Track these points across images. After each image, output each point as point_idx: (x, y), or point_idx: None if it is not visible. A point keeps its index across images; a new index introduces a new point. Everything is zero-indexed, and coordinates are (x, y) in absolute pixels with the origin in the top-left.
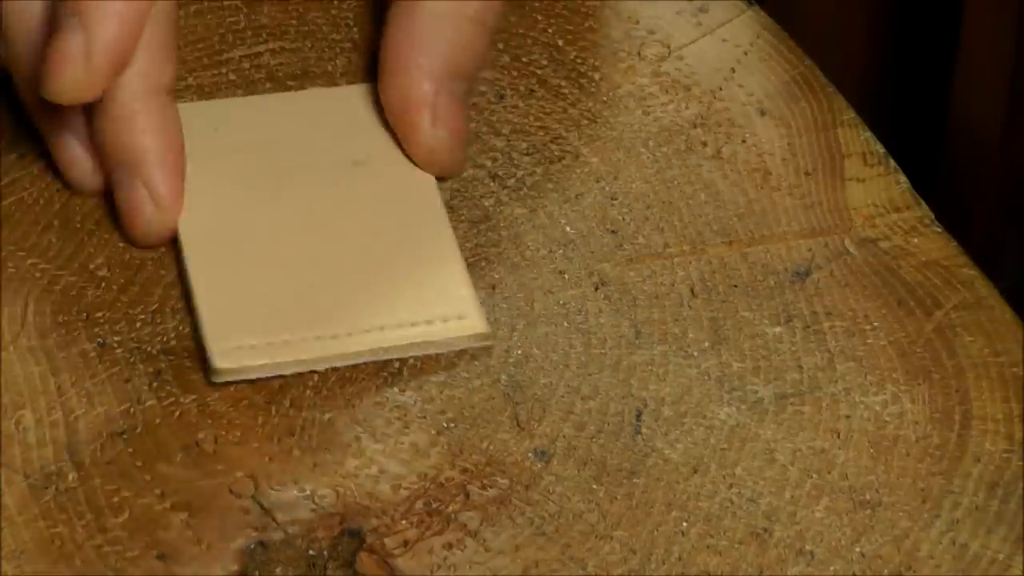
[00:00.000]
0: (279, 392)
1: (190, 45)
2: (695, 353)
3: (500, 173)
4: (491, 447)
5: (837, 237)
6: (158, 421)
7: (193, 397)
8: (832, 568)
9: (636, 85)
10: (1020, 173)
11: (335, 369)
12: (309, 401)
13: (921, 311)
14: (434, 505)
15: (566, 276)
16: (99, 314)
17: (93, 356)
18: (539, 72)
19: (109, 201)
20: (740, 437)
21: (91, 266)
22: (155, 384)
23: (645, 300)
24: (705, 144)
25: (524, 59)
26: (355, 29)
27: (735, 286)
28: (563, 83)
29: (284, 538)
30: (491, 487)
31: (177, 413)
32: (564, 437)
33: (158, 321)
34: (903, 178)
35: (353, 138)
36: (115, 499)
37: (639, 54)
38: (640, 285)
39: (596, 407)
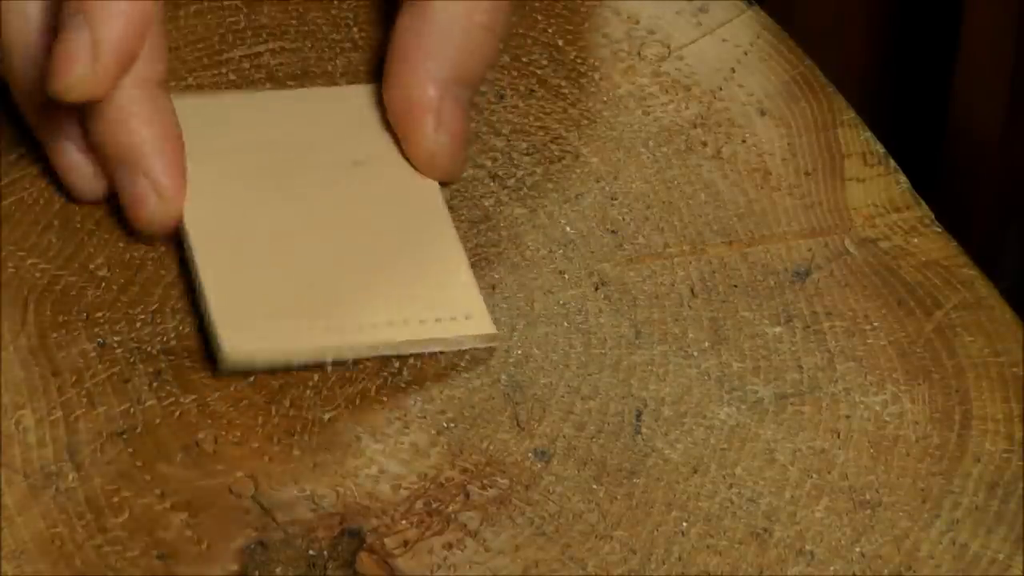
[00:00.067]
0: (279, 392)
1: (190, 45)
2: (695, 353)
3: (500, 173)
4: (491, 447)
5: (837, 237)
6: (158, 421)
7: (193, 397)
8: (832, 568)
9: (636, 85)
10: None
11: (335, 369)
12: (309, 401)
13: (921, 311)
14: (434, 505)
15: (566, 276)
16: (99, 314)
17: (93, 356)
18: (539, 72)
19: (110, 201)
20: (740, 437)
21: (91, 266)
22: (155, 384)
23: (645, 300)
24: (705, 144)
25: (524, 59)
26: (355, 29)
27: (735, 286)
28: (563, 83)
29: (284, 538)
30: (491, 487)
31: (177, 413)
32: (564, 437)
33: (158, 321)
34: (903, 178)
35: (353, 138)
36: (115, 499)
37: (639, 54)
38: (640, 285)
39: (596, 407)
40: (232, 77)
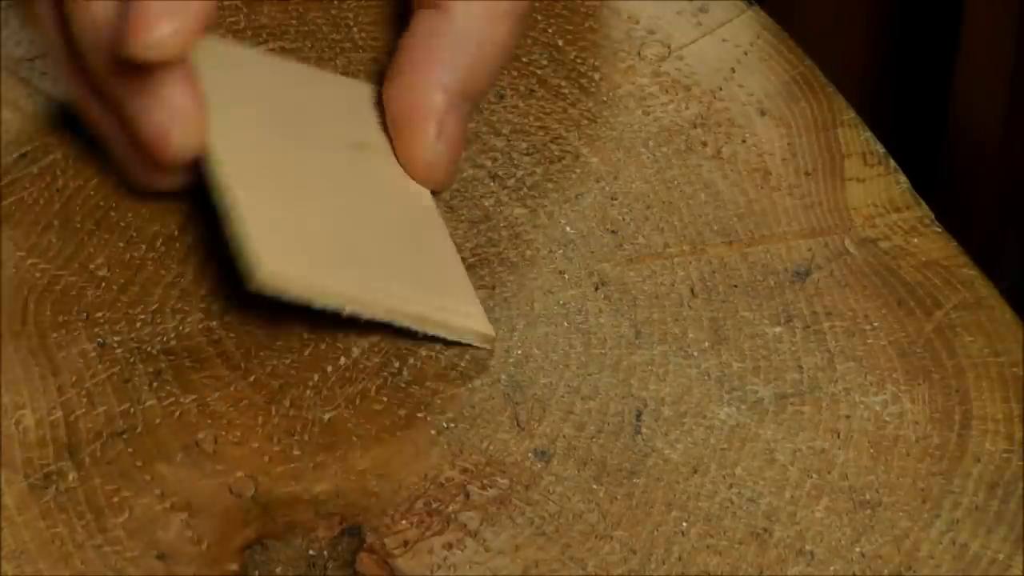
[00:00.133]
0: (279, 392)
1: None
2: (695, 353)
3: (500, 173)
4: (491, 447)
5: (837, 237)
6: (158, 421)
7: (193, 397)
8: (832, 568)
9: (636, 85)
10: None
11: (335, 369)
12: (309, 401)
13: (921, 311)
14: (434, 505)
15: (566, 276)
16: (99, 314)
17: (93, 356)
18: (539, 72)
19: (111, 200)
20: (740, 437)
21: (91, 266)
22: (155, 384)
23: (645, 300)
24: (705, 144)
25: (524, 59)
26: (355, 29)
27: (735, 286)
28: (563, 83)
29: (284, 538)
30: (491, 487)
31: (177, 413)
32: (564, 437)
33: (158, 321)
34: (903, 178)
35: (354, 123)
36: (115, 499)
37: (639, 54)
38: (640, 285)
39: (596, 407)
40: None
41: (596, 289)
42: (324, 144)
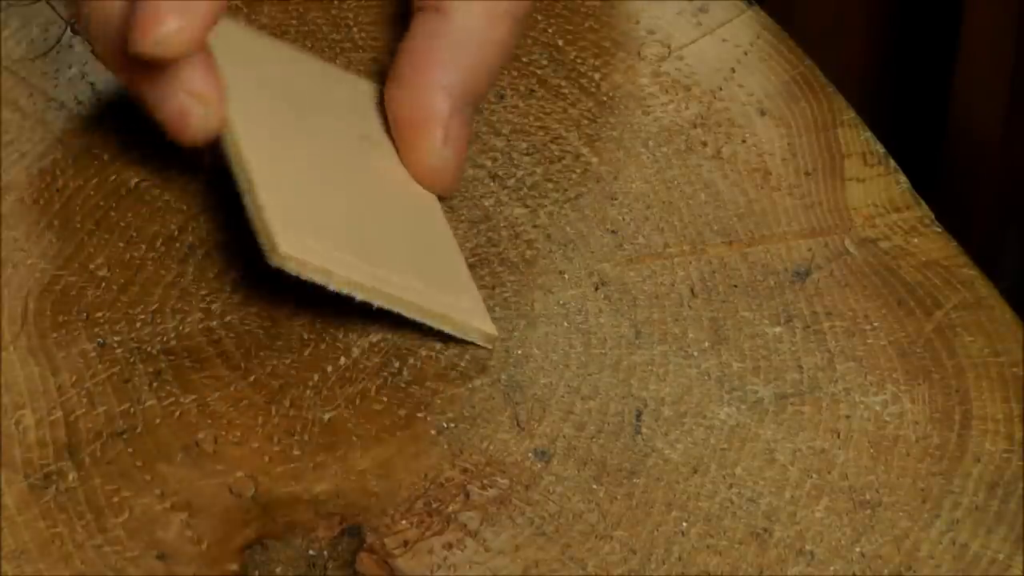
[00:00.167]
0: (279, 392)
1: None
2: (695, 353)
3: (500, 173)
4: (491, 447)
5: (837, 237)
6: (158, 421)
7: (193, 397)
8: (832, 568)
9: (636, 85)
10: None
11: (335, 369)
12: (309, 401)
13: (921, 311)
14: (434, 505)
15: (566, 276)
16: (99, 314)
17: (93, 356)
18: (539, 72)
19: (111, 200)
20: (740, 437)
21: (91, 266)
22: (155, 384)
23: (645, 300)
24: (705, 144)
25: (524, 59)
26: (355, 29)
27: (735, 286)
28: (563, 83)
29: (284, 538)
30: (491, 487)
31: (177, 413)
32: (564, 437)
33: (158, 321)
34: (903, 178)
35: (360, 118)
36: (115, 499)
37: (639, 54)
38: (640, 285)
39: (596, 407)
40: None
41: (596, 289)
42: (334, 133)
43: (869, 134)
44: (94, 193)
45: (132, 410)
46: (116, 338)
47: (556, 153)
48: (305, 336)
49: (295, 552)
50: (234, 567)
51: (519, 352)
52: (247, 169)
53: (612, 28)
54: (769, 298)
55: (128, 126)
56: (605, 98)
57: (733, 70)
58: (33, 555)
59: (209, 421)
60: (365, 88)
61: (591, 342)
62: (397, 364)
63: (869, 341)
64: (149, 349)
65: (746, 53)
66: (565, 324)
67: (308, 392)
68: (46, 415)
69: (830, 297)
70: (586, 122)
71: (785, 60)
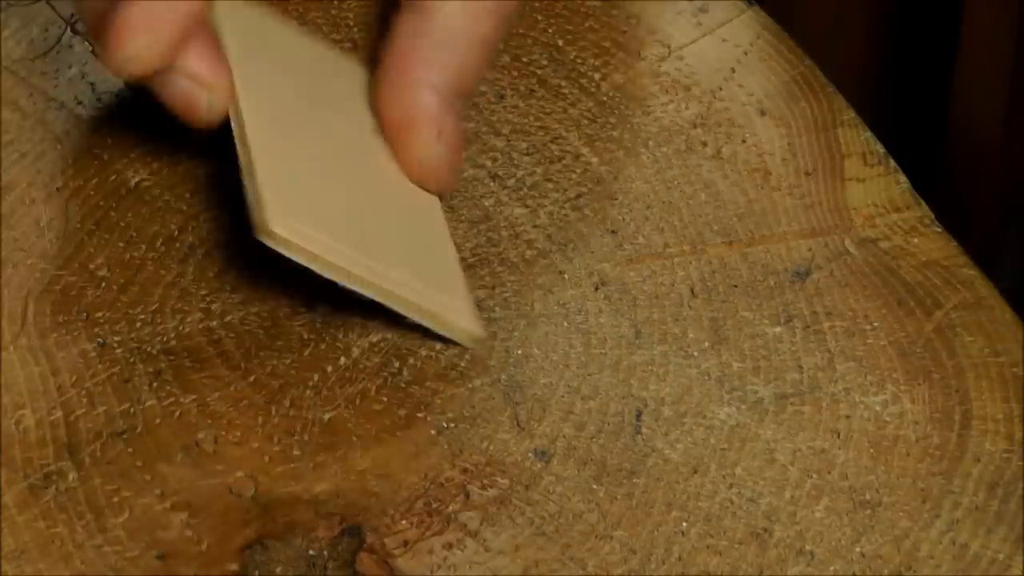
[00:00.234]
0: (279, 392)
1: None
2: (695, 353)
3: (500, 173)
4: (491, 447)
5: (837, 237)
6: (158, 421)
7: (193, 397)
8: (832, 568)
9: (636, 85)
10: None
11: (335, 369)
12: (309, 401)
13: (921, 311)
14: (434, 505)
15: (566, 276)
16: (99, 314)
17: (93, 356)
18: (539, 72)
19: (111, 200)
20: (740, 437)
21: (91, 266)
22: (155, 384)
23: (645, 300)
24: (705, 144)
25: (524, 59)
26: (355, 29)
27: (735, 286)
28: (563, 83)
29: (284, 538)
30: (491, 487)
31: (177, 413)
32: (564, 437)
33: (158, 321)
34: (903, 178)
35: (364, 109)
36: (115, 499)
37: (639, 54)
38: (640, 285)
39: (596, 407)
40: None
41: (596, 289)
42: (342, 124)
43: (869, 134)
44: (94, 193)
45: (132, 410)
46: (116, 338)
47: (556, 153)
48: (305, 336)
49: (295, 552)
50: (234, 567)
51: (519, 352)
52: (249, 147)
53: (612, 28)
54: (769, 298)
55: (128, 126)
56: (605, 98)
57: (733, 70)
58: (33, 555)
59: (209, 421)
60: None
61: (591, 342)
62: (397, 364)
63: (869, 341)
64: (149, 349)
65: (746, 53)
66: (565, 324)
67: (308, 392)
68: (46, 415)
69: (830, 297)
70: (586, 122)
71: (785, 60)
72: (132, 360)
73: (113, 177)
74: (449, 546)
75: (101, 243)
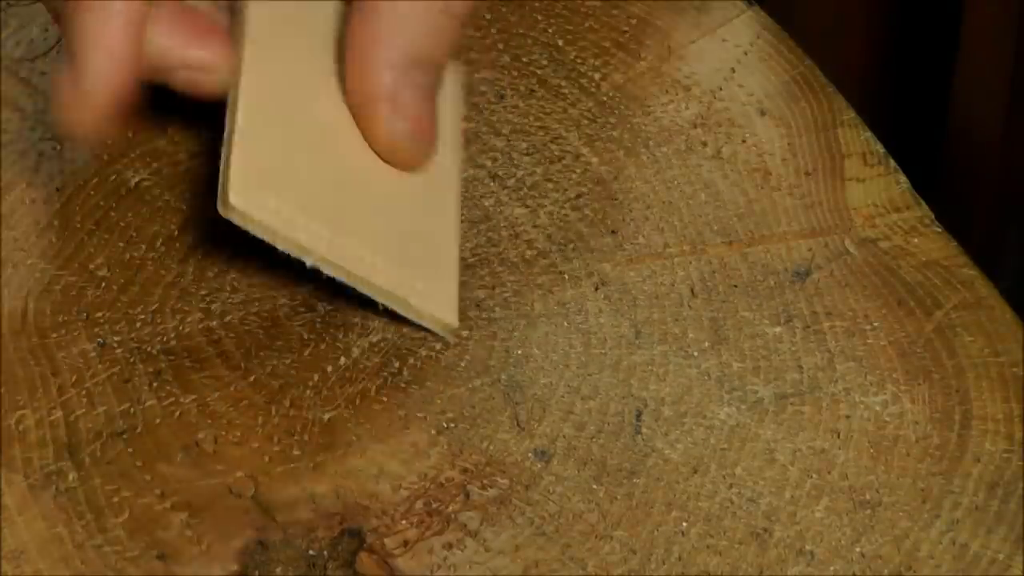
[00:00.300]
0: (279, 392)
1: None
2: (695, 353)
3: (500, 173)
4: (491, 447)
5: (837, 237)
6: (158, 421)
7: (193, 397)
8: (832, 568)
9: (636, 85)
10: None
11: (335, 369)
12: (309, 401)
13: (921, 311)
14: (434, 505)
15: (566, 276)
16: (99, 314)
17: (93, 356)
18: (539, 72)
19: (111, 200)
20: (740, 437)
21: (91, 266)
22: (155, 384)
23: (645, 300)
24: (705, 144)
25: (524, 59)
26: None
27: (735, 286)
28: (563, 83)
29: (284, 538)
30: (491, 487)
31: (177, 413)
32: (564, 437)
33: (158, 321)
34: (903, 178)
35: None
36: (115, 499)
37: (639, 54)
38: (640, 285)
39: (596, 407)
40: None
41: (596, 289)
42: None
43: (869, 134)
44: (94, 193)
45: (132, 410)
46: (116, 338)
47: (556, 153)
48: (305, 336)
49: (295, 552)
50: (234, 567)
51: (519, 352)
52: (234, 122)
53: (612, 28)
54: (769, 298)
55: (128, 126)
56: (605, 98)
57: (733, 70)
58: (33, 555)
59: (209, 421)
60: None
61: (591, 342)
62: (397, 364)
63: (869, 341)
64: (149, 349)
65: (746, 53)
66: (565, 324)
67: (308, 392)
68: (46, 415)
69: (830, 297)
70: (586, 122)
71: (785, 60)
72: (132, 360)
73: (113, 177)
74: (449, 546)
75: (101, 243)
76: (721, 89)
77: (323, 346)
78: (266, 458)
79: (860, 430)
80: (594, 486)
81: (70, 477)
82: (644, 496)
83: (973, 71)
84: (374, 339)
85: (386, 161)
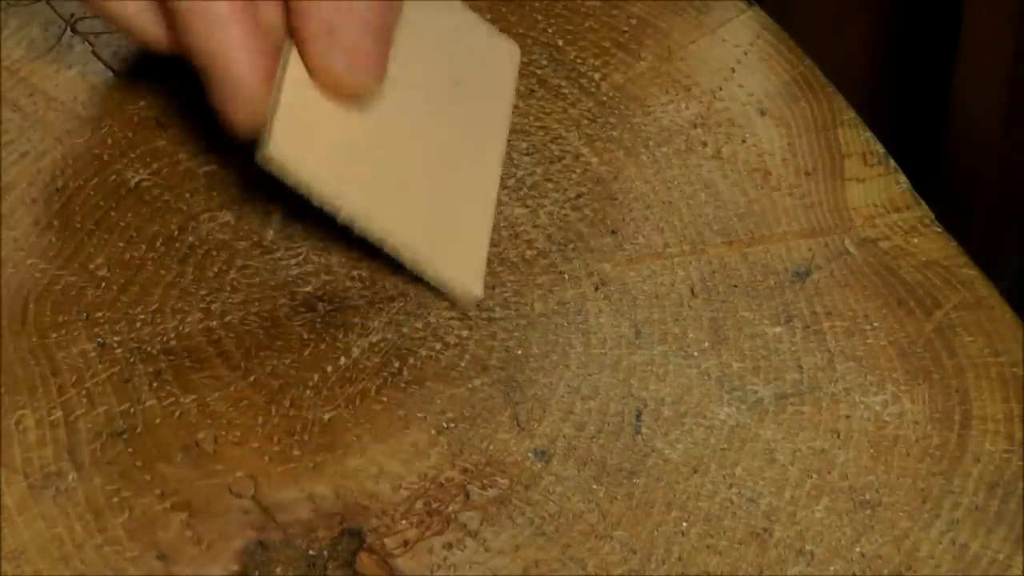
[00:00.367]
0: (279, 392)
1: None
2: (695, 353)
3: (500, 173)
4: (491, 447)
5: (837, 237)
6: (158, 421)
7: (193, 397)
8: (832, 568)
9: (636, 85)
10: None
11: (335, 369)
12: (309, 401)
13: (921, 311)
14: (434, 505)
15: (566, 276)
16: (99, 314)
17: (93, 356)
18: (539, 72)
19: (111, 200)
20: (740, 437)
21: (91, 266)
22: (155, 384)
23: (645, 300)
24: (705, 144)
25: (524, 59)
26: None
27: (735, 286)
28: (563, 83)
29: (284, 538)
30: (491, 487)
31: (177, 413)
32: (564, 437)
33: (158, 321)
34: (903, 178)
35: (458, 59)
36: (115, 499)
37: (639, 54)
38: (640, 285)
39: (596, 407)
40: None
41: (596, 289)
42: (424, 71)
43: (869, 134)
44: (94, 193)
45: (132, 410)
46: (116, 338)
47: (556, 153)
48: (305, 336)
49: (295, 552)
50: (234, 567)
51: (519, 352)
52: (286, 71)
53: (612, 28)
54: (769, 298)
55: (128, 126)
56: (605, 98)
57: (733, 70)
58: (33, 555)
59: (209, 421)
60: (482, 31)
61: (591, 342)
62: (397, 364)
63: (869, 341)
64: (149, 349)
65: (746, 53)
66: (565, 324)
67: (308, 392)
68: (46, 415)
69: (830, 297)
70: (586, 122)
71: (785, 60)
72: (132, 360)
73: (113, 177)
74: (449, 546)
75: (101, 243)
76: (721, 89)
77: (323, 346)
78: (266, 458)
79: (860, 430)
80: (594, 486)
81: (70, 477)
82: (644, 496)
83: (973, 71)
84: (374, 339)
85: (348, 85)
